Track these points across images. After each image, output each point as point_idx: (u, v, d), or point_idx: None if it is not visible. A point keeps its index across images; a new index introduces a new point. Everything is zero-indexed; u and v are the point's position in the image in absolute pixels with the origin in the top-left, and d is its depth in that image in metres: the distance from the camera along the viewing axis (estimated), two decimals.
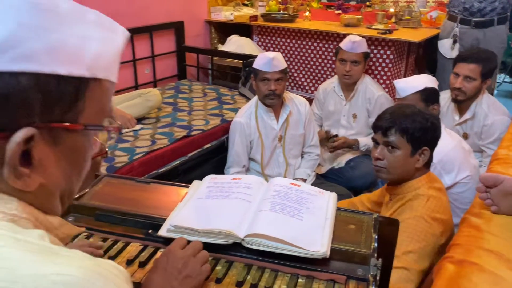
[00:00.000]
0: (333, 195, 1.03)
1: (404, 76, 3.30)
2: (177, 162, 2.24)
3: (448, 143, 1.90)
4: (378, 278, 0.81)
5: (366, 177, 2.60)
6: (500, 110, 2.34)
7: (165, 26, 3.34)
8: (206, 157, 2.43)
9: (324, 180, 2.64)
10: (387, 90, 3.04)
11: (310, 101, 2.64)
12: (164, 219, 0.94)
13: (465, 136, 2.39)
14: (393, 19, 3.44)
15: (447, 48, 2.99)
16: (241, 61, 3.20)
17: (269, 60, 2.20)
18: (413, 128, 1.35)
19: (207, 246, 0.88)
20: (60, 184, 0.50)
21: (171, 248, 0.79)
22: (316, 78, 3.48)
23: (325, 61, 3.40)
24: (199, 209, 0.94)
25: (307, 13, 3.68)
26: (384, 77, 3.15)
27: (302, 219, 0.91)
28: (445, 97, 2.39)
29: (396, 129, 1.37)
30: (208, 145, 2.43)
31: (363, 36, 2.80)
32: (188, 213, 0.93)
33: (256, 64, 2.27)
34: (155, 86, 3.30)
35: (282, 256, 0.84)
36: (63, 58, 0.43)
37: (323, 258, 0.83)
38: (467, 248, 1.12)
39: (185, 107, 2.78)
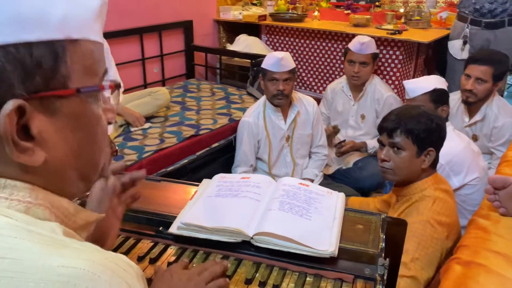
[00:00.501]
0: (342, 195, 1.03)
1: (413, 77, 3.29)
2: (185, 160, 2.25)
3: (457, 145, 1.90)
4: (385, 277, 0.82)
5: (373, 178, 2.59)
6: (510, 112, 2.33)
7: (174, 25, 3.36)
8: (214, 156, 2.45)
9: (331, 180, 2.64)
10: (396, 90, 3.04)
11: (318, 101, 2.64)
12: (175, 217, 0.96)
13: (475, 138, 2.38)
14: (402, 20, 3.43)
15: (457, 49, 2.97)
16: (249, 61, 3.21)
17: (278, 60, 2.21)
18: (418, 129, 1.36)
19: (216, 244, 0.89)
20: (69, 159, 0.49)
21: (173, 266, 0.80)
22: (325, 78, 3.48)
23: (334, 61, 3.40)
24: (209, 207, 0.96)
25: (316, 13, 3.68)
26: (393, 78, 3.14)
27: (310, 218, 0.92)
28: (454, 98, 2.38)
29: (402, 130, 1.37)
30: (216, 144, 2.44)
31: (372, 37, 2.80)
32: (198, 211, 0.94)
33: (265, 64, 2.28)
34: (163, 85, 3.32)
35: (290, 254, 0.85)
36: (26, 25, 0.42)
37: (331, 257, 0.84)
38: (475, 250, 1.12)
39: (193, 106, 2.80)
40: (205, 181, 1.10)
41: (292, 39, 3.56)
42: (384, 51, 3.10)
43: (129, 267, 0.45)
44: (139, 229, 0.96)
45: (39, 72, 0.43)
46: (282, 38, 3.62)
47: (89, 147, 0.51)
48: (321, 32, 3.37)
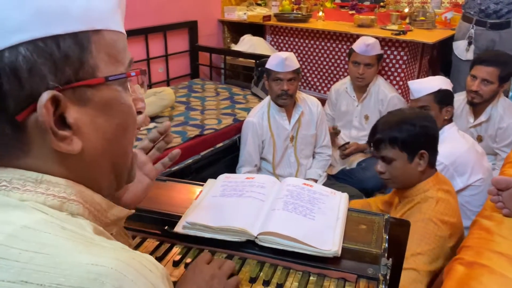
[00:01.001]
0: (345, 196, 1.04)
1: (418, 78, 3.28)
2: (190, 160, 2.27)
3: (462, 146, 1.90)
4: (388, 277, 0.83)
5: (377, 178, 2.56)
6: None
7: (179, 25, 3.37)
8: (218, 156, 2.46)
9: (335, 180, 2.64)
10: (400, 91, 3.04)
11: (322, 101, 2.65)
12: (180, 216, 0.97)
13: (479, 139, 2.38)
14: (407, 20, 3.43)
15: (462, 50, 2.97)
16: (253, 61, 3.22)
17: (282, 60, 2.22)
18: (402, 137, 1.36)
19: (221, 243, 0.90)
20: (103, 147, 0.51)
21: (198, 262, 0.81)
22: (329, 78, 3.48)
23: (338, 61, 3.40)
24: (214, 207, 0.97)
25: (320, 13, 3.68)
26: (397, 78, 3.14)
27: (314, 218, 0.93)
28: (459, 99, 2.38)
29: (386, 143, 1.39)
30: (221, 144, 2.45)
31: (376, 37, 2.80)
32: (203, 211, 0.96)
33: (269, 64, 2.29)
34: (168, 85, 3.34)
35: (294, 254, 0.86)
36: (51, 20, 0.44)
37: (335, 257, 0.85)
38: (478, 250, 1.12)
39: (197, 106, 2.81)
40: (210, 181, 1.11)
41: (296, 40, 3.56)
42: (389, 52, 3.10)
43: (154, 267, 0.46)
44: (145, 228, 0.97)
45: (68, 63, 0.45)
46: (286, 38, 3.63)
47: (121, 135, 0.53)
48: (325, 32, 3.37)
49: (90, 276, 0.39)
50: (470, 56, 2.88)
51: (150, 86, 3.20)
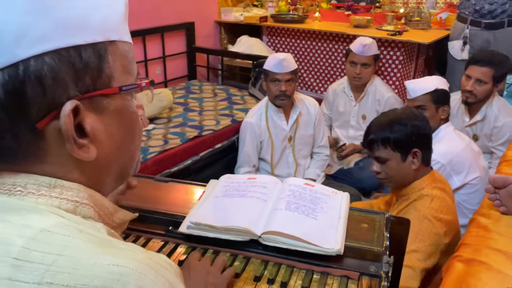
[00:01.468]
0: (346, 195, 1.06)
1: (414, 77, 3.31)
2: (189, 161, 2.28)
3: (458, 144, 1.93)
4: (390, 274, 0.84)
5: (374, 178, 2.56)
6: (510, 112, 2.36)
7: (176, 27, 3.38)
8: (217, 156, 2.47)
9: (333, 180, 2.66)
10: (396, 91, 3.06)
11: (319, 101, 2.67)
12: (184, 217, 0.98)
13: (475, 138, 2.41)
14: (402, 20, 3.46)
15: (457, 50, 3.00)
16: (250, 62, 3.24)
17: (280, 61, 2.23)
18: (394, 137, 1.39)
19: (225, 243, 0.92)
20: (114, 154, 0.53)
21: (190, 260, 0.84)
22: (326, 78, 3.50)
23: (335, 61, 3.42)
24: (217, 207, 0.98)
25: (316, 14, 3.70)
26: (394, 78, 3.16)
27: (316, 218, 0.95)
28: (455, 98, 2.41)
29: (378, 144, 1.41)
30: (219, 145, 2.47)
31: (373, 38, 2.83)
32: (206, 211, 0.97)
33: (267, 65, 2.30)
34: (165, 86, 3.35)
35: (297, 253, 0.88)
36: (73, 30, 0.45)
37: (337, 255, 0.86)
38: (476, 248, 1.14)
39: (195, 107, 2.82)
40: (212, 181, 1.13)
41: (293, 40, 3.58)
42: (385, 52, 3.13)
43: (169, 266, 0.47)
44: (149, 228, 0.99)
45: (88, 72, 0.47)
46: (283, 39, 3.65)
47: (130, 142, 0.56)
48: (322, 33, 3.39)
49: (113, 276, 0.41)
50: (465, 56, 2.91)
51: None
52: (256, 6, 4.13)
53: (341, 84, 2.90)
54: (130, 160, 0.57)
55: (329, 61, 3.44)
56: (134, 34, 3.03)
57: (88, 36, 0.47)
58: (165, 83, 3.42)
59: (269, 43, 3.73)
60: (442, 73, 3.22)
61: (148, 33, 3.15)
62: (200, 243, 0.94)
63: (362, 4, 3.83)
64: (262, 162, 2.49)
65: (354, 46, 2.70)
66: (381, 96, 2.75)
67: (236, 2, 4.06)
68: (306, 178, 2.47)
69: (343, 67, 3.29)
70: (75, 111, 0.46)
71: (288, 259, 0.89)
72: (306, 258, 0.88)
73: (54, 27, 0.44)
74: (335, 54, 3.40)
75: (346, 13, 3.66)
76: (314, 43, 3.47)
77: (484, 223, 1.24)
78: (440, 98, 2.02)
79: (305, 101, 2.47)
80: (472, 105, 2.36)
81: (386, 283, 0.82)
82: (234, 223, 0.91)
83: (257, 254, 0.91)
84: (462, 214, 1.80)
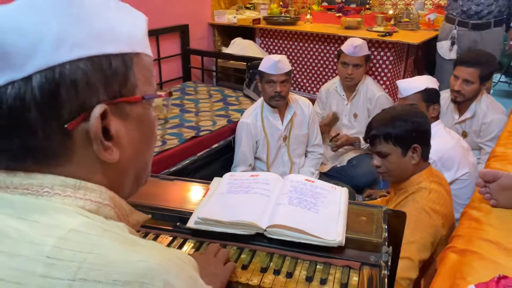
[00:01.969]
0: (345, 190, 1.11)
1: (404, 77, 3.39)
2: (187, 161, 2.32)
3: (448, 141, 1.99)
4: (389, 264, 0.89)
5: (368, 175, 2.68)
6: (498, 109, 2.43)
7: (171, 29, 3.42)
8: (214, 156, 2.52)
9: (327, 178, 2.71)
10: (387, 90, 3.13)
11: (312, 102, 2.72)
12: (190, 213, 1.02)
13: (464, 135, 2.48)
14: (392, 21, 3.53)
15: (445, 50, 3.08)
16: (244, 63, 3.28)
17: (275, 63, 2.28)
18: (395, 133, 1.44)
19: (232, 237, 0.96)
20: (133, 158, 0.56)
21: (193, 254, 0.88)
22: (318, 79, 3.56)
23: (327, 62, 3.48)
24: (223, 203, 1.02)
25: (308, 16, 3.76)
26: (384, 78, 3.23)
27: (318, 211, 0.99)
28: (444, 96, 2.48)
29: (380, 139, 1.46)
30: (216, 145, 2.51)
31: (363, 39, 2.89)
32: (213, 207, 1.01)
33: (262, 67, 2.35)
34: (161, 88, 3.38)
35: (301, 245, 0.92)
36: (104, 40, 0.50)
37: (339, 246, 0.91)
38: (468, 239, 1.20)
39: (191, 108, 2.86)
40: (216, 179, 1.17)
41: (286, 42, 3.64)
42: (375, 53, 3.20)
43: (188, 261, 0.51)
44: (157, 224, 1.02)
45: (116, 80, 0.51)
46: (276, 41, 3.70)
47: (147, 148, 0.59)
48: (314, 34, 3.45)
49: (141, 272, 0.44)
50: (453, 55, 2.99)
51: None
52: (248, 8, 4.18)
53: (333, 84, 2.96)
54: (144, 166, 0.61)
55: (321, 62, 3.50)
56: None
57: (118, 46, 0.51)
58: (160, 85, 3.45)
59: (262, 45, 3.78)
60: (431, 73, 3.30)
61: None
62: (208, 237, 0.98)
63: (353, 6, 3.90)
64: (258, 161, 2.54)
65: (346, 47, 2.76)
66: (372, 95, 2.81)
67: (229, 4, 4.10)
68: None
69: (335, 67, 3.35)
70: (103, 115, 0.49)
71: (293, 251, 0.93)
72: (309, 249, 0.92)
73: (88, 36, 0.48)
74: (327, 55, 3.46)
75: (337, 15, 3.72)
76: (306, 45, 3.52)
77: (475, 216, 1.30)
78: (430, 96, 2.08)
79: (299, 101, 2.52)
80: (461, 104, 2.43)
81: (386, 271, 0.87)
82: (240, 218, 0.96)
83: (262, 247, 0.95)
84: (454, 209, 1.86)
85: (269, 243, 0.95)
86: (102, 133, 0.50)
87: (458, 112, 2.49)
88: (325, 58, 3.47)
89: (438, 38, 3.17)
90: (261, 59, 2.45)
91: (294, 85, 3.67)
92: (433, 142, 1.92)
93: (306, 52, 3.54)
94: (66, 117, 0.48)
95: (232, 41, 3.71)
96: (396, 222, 1.03)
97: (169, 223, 1.02)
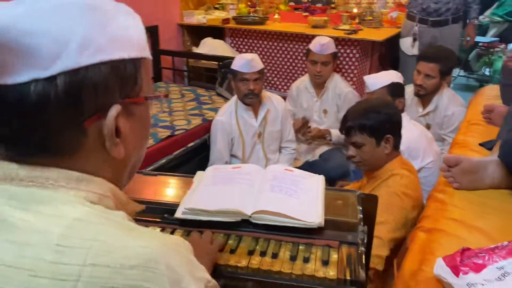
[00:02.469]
0: (321, 177, 1.18)
1: (369, 73, 3.51)
2: (163, 160, 2.34)
3: (413, 132, 2.10)
4: (365, 241, 0.97)
5: (338, 168, 2.77)
6: (459, 102, 2.58)
7: None
8: (190, 155, 2.55)
9: None
10: (354, 86, 3.25)
11: (283, 99, 2.80)
12: (177, 205, 1.06)
13: (428, 127, 2.61)
14: (356, 20, 3.66)
15: (407, 46, 3.23)
16: (216, 63, 3.32)
17: (248, 62, 2.34)
18: (369, 124, 1.52)
19: (219, 224, 1.01)
20: (133, 153, 0.60)
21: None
22: (288, 77, 3.65)
23: (296, 61, 3.57)
24: (208, 193, 1.07)
25: (276, 16, 3.84)
26: (351, 75, 3.35)
27: (298, 197, 1.06)
28: (408, 91, 2.60)
29: (355, 130, 1.54)
30: (192, 144, 2.55)
31: (330, 37, 2.98)
32: (199, 197, 1.06)
33: (235, 66, 2.40)
34: None
35: (284, 228, 0.98)
36: (121, 45, 0.54)
37: (319, 227, 0.97)
38: (435, 219, 1.29)
39: (165, 108, 2.88)
40: (199, 173, 1.21)
41: (255, 41, 3.70)
42: (342, 50, 3.31)
43: (184, 245, 0.55)
44: (145, 217, 1.05)
45: (128, 83, 0.55)
46: (245, 40, 3.76)
47: (144, 143, 0.64)
48: (282, 34, 3.53)
49: (144, 256, 0.47)
50: (415, 51, 3.14)
51: None
52: (217, 8, 4.22)
53: (303, 82, 3.04)
54: (139, 159, 0.65)
55: (291, 60, 3.59)
56: None
57: (131, 51, 0.55)
58: None
59: (232, 44, 3.83)
60: (395, 68, 3.43)
61: None
62: (195, 226, 1.02)
63: (319, 5, 4.01)
64: (234, 158, 2.59)
65: (313, 46, 2.84)
66: (340, 91, 2.91)
67: (197, 5, 4.13)
68: None
69: (304, 65, 3.44)
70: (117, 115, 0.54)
71: (277, 234, 0.99)
72: (292, 232, 0.98)
73: (108, 41, 0.52)
74: (296, 53, 3.55)
75: (304, 14, 3.82)
76: (275, 44, 3.60)
77: (440, 198, 1.40)
78: (396, 90, 2.19)
79: (272, 98, 2.59)
80: (424, 97, 2.57)
81: (363, 248, 0.95)
82: (226, 206, 1.01)
83: (248, 232, 1.00)
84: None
85: (254, 228, 1.00)
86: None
87: (422, 105, 2.62)
88: (294, 57, 3.56)
89: (401, 35, 3.32)
90: (232, 58, 2.50)
91: (266, 83, 3.74)
92: None
93: (275, 50, 3.62)
94: (84, 116, 0.52)
95: (202, 41, 3.75)
96: (369, 205, 1.11)
97: (157, 215, 1.06)
